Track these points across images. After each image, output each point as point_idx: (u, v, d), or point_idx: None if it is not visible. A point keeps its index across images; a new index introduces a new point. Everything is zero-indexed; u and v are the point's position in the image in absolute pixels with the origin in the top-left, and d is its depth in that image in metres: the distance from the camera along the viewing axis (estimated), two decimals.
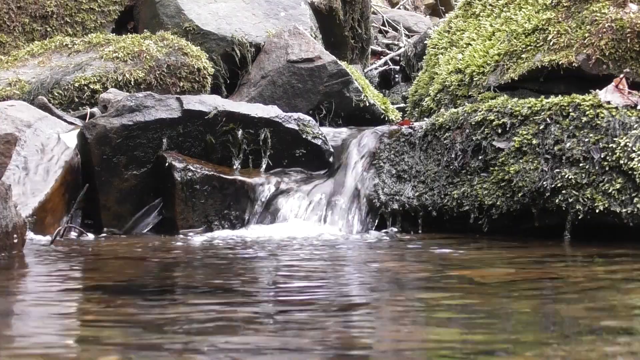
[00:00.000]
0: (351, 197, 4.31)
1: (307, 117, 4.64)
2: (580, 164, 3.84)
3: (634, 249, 3.57)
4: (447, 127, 4.26)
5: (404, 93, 7.27)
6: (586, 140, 3.85)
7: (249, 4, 6.19)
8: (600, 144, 3.82)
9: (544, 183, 3.90)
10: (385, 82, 8.08)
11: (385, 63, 8.49)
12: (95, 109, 5.03)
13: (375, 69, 8.27)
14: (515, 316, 2.35)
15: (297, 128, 4.54)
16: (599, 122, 3.86)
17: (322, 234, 4.11)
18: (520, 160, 3.98)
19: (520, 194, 3.96)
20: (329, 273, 3.19)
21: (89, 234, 4.14)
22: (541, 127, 3.96)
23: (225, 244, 3.84)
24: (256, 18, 6.11)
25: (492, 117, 4.11)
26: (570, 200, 3.84)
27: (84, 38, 5.72)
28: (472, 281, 2.88)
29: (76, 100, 5.26)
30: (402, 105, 6.62)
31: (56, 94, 5.23)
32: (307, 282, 2.98)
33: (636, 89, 4.03)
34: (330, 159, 4.56)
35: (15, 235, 3.37)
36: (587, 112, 3.89)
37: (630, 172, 3.74)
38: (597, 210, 3.78)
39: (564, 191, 3.86)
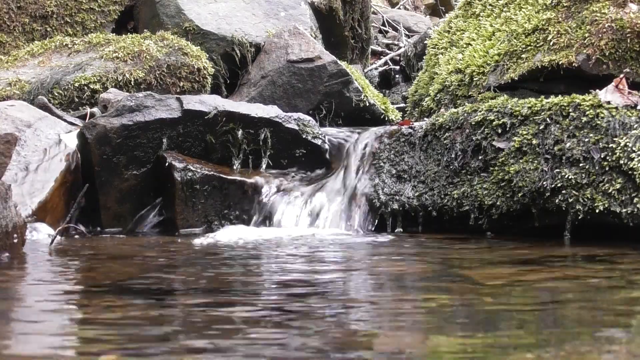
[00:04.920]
0: (351, 197, 4.31)
1: (307, 117, 4.64)
2: (580, 164, 3.84)
3: (634, 249, 3.57)
4: (447, 127, 4.26)
5: (404, 93, 7.26)
6: (586, 140, 3.85)
7: (249, 4, 6.19)
8: (600, 144, 3.82)
9: (544, 183, 3.89)
10: (385, 82, 8.08)
11: (385, 63, 8.49)
12: (95, 109, 5.03)
13: (375, 69, 8.27)
14: (515, 316, 2.34)
15: (297, 128, 4.54)
16: (599, 122, 3.86)
17: (321, 234, 4.11)
18: (520, 160, 3.98)
19: (520, 194, 3.96)
20: (328, 273, 3.19)
21: (88, 234, 4.14)
22: (541, 127, 3.96)
23: (225, 244, 3.84)
24: (256, 18, 6.11)
25: (492, 117, 4.11)
26: (570, 200, 3.84)
27: (84, 38, 5.72)
28: (472, 281, 2.88)
29: (76, 100, 5.26)
30: (402, 105, 6.61)
31: (56, 94, 5.23)
32: (307, 282, 2.98)
33: (636, 89, 4.03)
34: (330, 159, 4.56)
35: (15, 235, 3.36)
36: (587, 112, 3.88)
37: (630, 172, 3.73)
38: (597, 210, 3.78)
39: (564, 191, 3.85)
